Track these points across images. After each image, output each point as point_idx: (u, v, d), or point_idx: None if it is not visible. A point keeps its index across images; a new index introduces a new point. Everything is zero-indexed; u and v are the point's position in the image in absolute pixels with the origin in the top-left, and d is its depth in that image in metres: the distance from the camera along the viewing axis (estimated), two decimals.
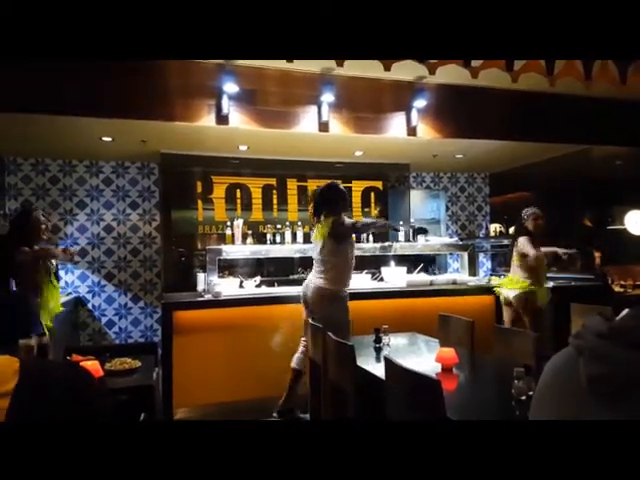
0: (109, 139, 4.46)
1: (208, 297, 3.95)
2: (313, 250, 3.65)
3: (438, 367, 2.26)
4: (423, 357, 2.74)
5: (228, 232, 4.51)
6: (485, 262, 6.67)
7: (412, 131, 4.51)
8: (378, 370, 2.29)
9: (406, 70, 4.12)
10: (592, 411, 0.57)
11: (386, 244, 4.77)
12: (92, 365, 2.23)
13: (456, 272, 5.60)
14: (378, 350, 2.78)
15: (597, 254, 5.27)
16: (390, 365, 1.93)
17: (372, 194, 6.09)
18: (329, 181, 3.71)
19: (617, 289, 4.94)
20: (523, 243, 3.98)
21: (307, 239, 4.75)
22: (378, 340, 2.87)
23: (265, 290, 4.36)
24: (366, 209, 6.06)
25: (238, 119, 4.07)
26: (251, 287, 4.34)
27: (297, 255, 4.86)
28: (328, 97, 4.15)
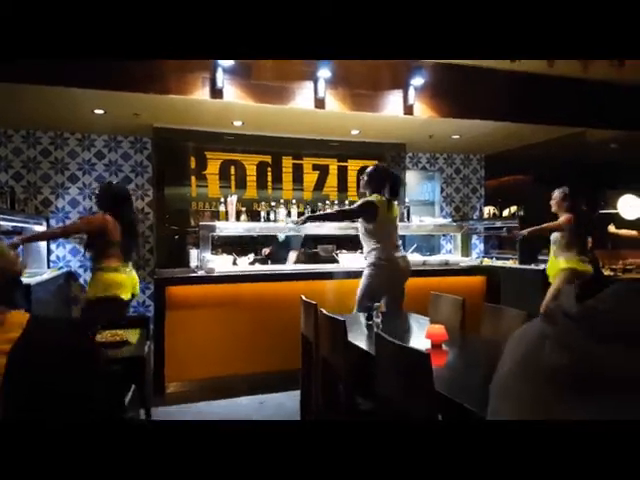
0: (101, 112, 4.39)
1: (201, 273, 3.95)
2: (393, 228, 3.71)
3: (428, 343, 2.28)
4: (414, 334, 2.77)
5: (222, 209, 4.49)
6: (478, 244, 6.70)
7: (409, 110, 4.47)
8: (369, 346, 2.31)
9: None
10: (554, 402, 0.53)
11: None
12: None
13: (449, 254, 5.62)
14: (370, 327, 2.80)
15: (589, 238, 5.30)
16: (380, 340, 1.94)
17: None
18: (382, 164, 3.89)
19: (607, 273, 4.99)
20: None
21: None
22: (370, 317, 2.89)
23: (259, 268, 4.36)
24: (361, 190, 6.02)
25: (233, 93, 4.01)
26: (245, 264, 4.33)
27: (292, 233, 4.85)
28: (325, 73, 4.10)
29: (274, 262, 4.98)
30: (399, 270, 3.60)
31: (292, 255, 5.09)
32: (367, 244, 3.64)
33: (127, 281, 3.38)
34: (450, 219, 6.06)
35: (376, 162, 6.04)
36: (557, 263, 4.12)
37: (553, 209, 4.20)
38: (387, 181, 3.69)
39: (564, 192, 4.16)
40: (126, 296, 3.33)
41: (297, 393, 3.22)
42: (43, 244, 4.95)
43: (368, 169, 3.79)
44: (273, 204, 4.75)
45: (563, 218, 4.18)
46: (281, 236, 5.10)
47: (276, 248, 5.20)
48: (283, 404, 3.48)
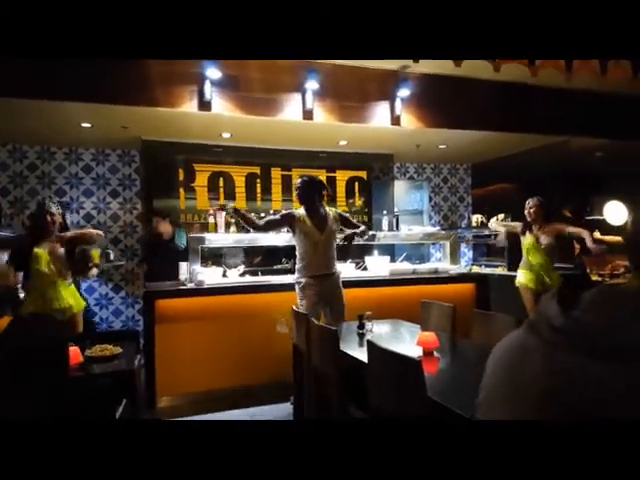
0: (89, 125, 4.37)
1: (191, 286, 3.92)
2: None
3: (420, 351, 2.28)
4: (405, 342, 2.77)
5: (211, 221, 4.47)
6: (466, 252, 6.75)
7: (396, 120, 4.52)
8: (361, 355, 2.31)
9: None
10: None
11: (370, 233, 4.78)
12: (72, 351, 2.20)
13: (438, 262, 5.65)
14: (361, 336, 2.80)
15: (577, 245, 5.36)
16: (372, 348, 1.95)
17: (356, 184, 6.10)
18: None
19: (595, 278, 5.04)
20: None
21: None
22: (361, 326, 2.89)
23: (249, 279, 4.35)
24: (350, 200, 6.07)
25: (221, 105, 4.03)
26: (235, 276, 4.31)
27: (281, 244, 4.84)
28: (312, 85, 4.13)
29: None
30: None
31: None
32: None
33: None
34: (439, 227, 6.11)
35: (363, 172, 6.11)
36: (550, 272, 4.20)
37: (530, 218, 4.26)
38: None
39: (540, 200, 4.23)
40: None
41: (289, 405, 3.20)
42: None
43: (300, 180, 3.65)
44: (263, 215, 4.73)
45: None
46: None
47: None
48: (276, 417, 3.44)
